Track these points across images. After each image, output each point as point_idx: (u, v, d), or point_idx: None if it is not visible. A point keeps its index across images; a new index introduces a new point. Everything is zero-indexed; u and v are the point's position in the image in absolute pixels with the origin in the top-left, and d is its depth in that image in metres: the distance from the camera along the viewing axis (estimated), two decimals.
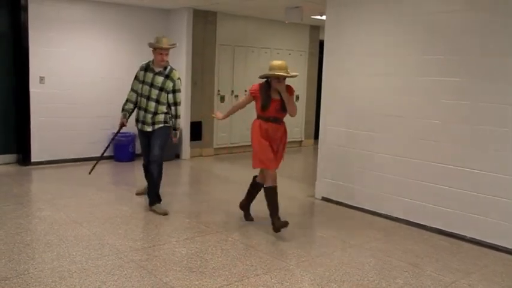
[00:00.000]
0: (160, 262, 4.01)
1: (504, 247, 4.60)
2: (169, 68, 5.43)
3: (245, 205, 5.29)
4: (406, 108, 5.35)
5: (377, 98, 5.66)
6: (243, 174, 7.77)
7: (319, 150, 6.39)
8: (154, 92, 5.35)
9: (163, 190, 5.57)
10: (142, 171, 5.78)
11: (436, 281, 3.87)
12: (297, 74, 5.05)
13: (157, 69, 5.38)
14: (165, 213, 5.29)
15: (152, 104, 5.36)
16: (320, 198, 6.34)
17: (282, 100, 4.78)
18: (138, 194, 6.01)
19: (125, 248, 4.27)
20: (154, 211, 5.34)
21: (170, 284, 3.60)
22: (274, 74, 4.71)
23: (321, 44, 7.76)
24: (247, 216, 5.28)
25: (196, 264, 4.01)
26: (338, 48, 6.07)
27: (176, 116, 5.49)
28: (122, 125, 5.67)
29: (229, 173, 7.84)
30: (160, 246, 4.39)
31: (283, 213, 4.96)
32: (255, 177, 5.18)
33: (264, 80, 4.88)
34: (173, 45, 5.62)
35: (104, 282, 3.58)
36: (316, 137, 6.94)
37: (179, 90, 5.47)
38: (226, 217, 5.32)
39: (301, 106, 10.55)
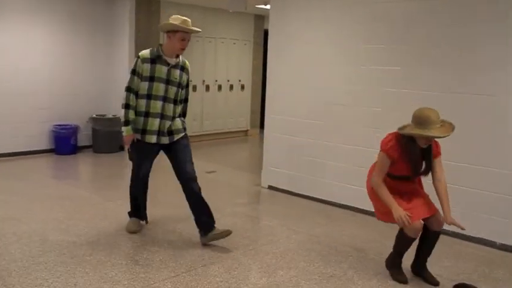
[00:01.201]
0: (105, 256, 3.92)
1: (448, 230, 4.79)
2: (180, 57, 4.31)
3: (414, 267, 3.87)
4: (350, 96, 5.46)
5: (321, 86, 5.74)
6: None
7: (264, 139, 6.42)
8: (172, 91, 4.19)
9: (104, 182, 5.42)
10: (132, 198, 4.56)
11: (380, 265, 3.98)
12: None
13: (171, 61, 4.18)
14: (227, 233, 4.24)
15: (170, 107, 4.21)
16: (266, 186, 6.38)
17: (423, 159, 3.59)
18: (132, 231, 4.49)
19: (67, 244, 4.14)
20: (215, 238, 4.23)
21: (116, 278, 3.53)
22: (435, 135, 3.41)
23: (266, 34, 7.78)
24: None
25: (143, 256, 3.95)
26: (282, 37, 6.10)
27: (185, 114, 4.48)
28: (133, 142, 4.28)
29: None
30: (105, 240, 4.29)
31: (229, 202, 4.94)
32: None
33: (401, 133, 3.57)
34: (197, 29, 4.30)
35: (46, 279, 3.46)
36: (262, 126, 6.96)
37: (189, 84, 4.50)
38: (172, 208, 5.26)
39: (246, 95, 10.58)
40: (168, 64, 4.15)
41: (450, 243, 4.62)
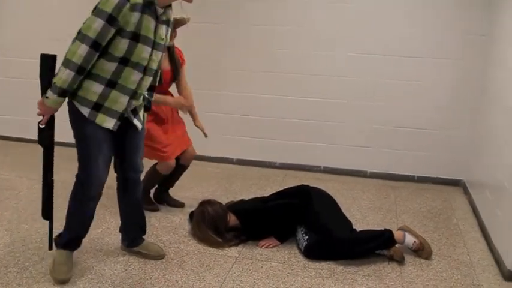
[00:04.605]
0: None
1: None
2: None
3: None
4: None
5: None
6: None
7: None
8: (157, 59, 2.77)
9: None
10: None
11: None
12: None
13: (160, 11, 2.65)
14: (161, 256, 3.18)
15: (148, 83, 2.82)
16: None
17: (173, 69, 3.59)
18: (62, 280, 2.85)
19: None
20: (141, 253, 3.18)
21: None
22: (177, 17, 3.30)
23: None
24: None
25: None
26: None
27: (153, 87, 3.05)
28: (53, 117, 2.71)
29: None
30: None
31: None
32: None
33: None
34: None
35: None
36: None
37: None
38: None
39: None
40: (156, 17, 2.64)
41: (191, 165, 4.92)
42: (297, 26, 4.69)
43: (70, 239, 2.91)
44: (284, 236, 3.41)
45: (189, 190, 4.27)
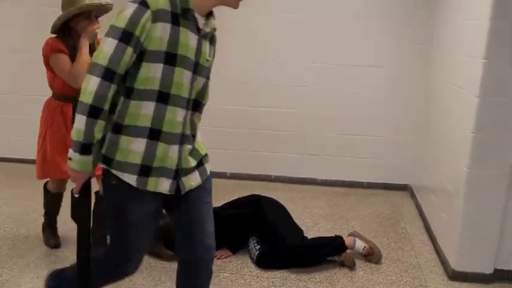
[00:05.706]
0: None
1: None
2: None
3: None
4: None
5: None
6: None
7: None
8: (199, 86, 2.02)
9: None
10: None
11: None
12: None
13: (201, 22, 1.92)
14: None
15: (196, 119, 2.10)
16: None
17: None
18: None
19: None
20: None
21: None
22: (93, 3, 2.84)
23: None
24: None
25: None
26: None
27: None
28: (89, 183, 1.99)
29: None
30: None
31: None
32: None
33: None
34: None
35: None
36: None
37: None
38: None
39: None
40: (198, 29, 1.91)
41: None
42: (247, 34, 4.71)
43: None
44: (236, 247, 3.39)
45: None
